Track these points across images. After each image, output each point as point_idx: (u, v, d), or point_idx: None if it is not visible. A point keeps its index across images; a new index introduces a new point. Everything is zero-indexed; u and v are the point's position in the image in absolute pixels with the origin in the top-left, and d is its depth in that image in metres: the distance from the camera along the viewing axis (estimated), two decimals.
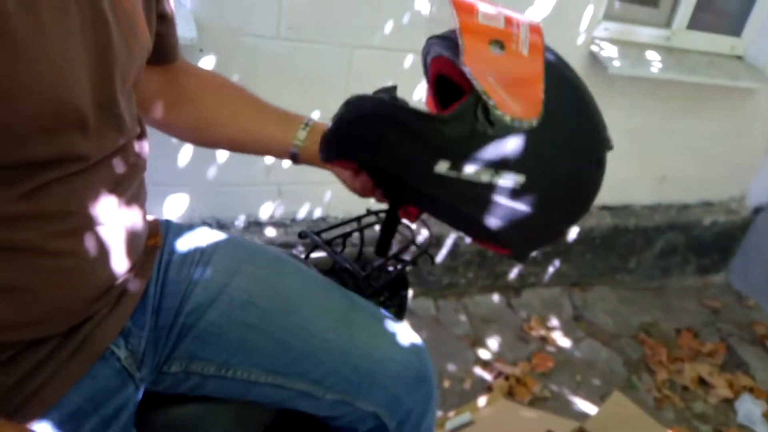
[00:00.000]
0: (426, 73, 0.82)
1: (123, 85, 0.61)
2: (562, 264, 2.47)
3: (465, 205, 0.69)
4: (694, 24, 2.32)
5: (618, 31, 2.14)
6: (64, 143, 0.55)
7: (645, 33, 2.21)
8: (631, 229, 2.50)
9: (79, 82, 0.54)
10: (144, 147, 0.72)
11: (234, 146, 0.91)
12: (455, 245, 2.17)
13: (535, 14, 1.90)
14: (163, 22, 0.76)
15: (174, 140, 1.66)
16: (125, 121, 0.63)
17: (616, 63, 2.01)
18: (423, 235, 1.89)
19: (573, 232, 2.38)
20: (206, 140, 0.92)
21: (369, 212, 1.02)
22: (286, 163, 1.83)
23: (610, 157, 0.74)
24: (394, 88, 0.73)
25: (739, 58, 2.49)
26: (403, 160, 0.68)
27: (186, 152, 1.67)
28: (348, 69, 1.74)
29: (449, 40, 0.69)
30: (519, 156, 0.65)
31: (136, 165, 0.69)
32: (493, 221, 0.70)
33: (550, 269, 2.46)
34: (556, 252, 2.42)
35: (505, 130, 0.64)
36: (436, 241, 2.13)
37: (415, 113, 0.67)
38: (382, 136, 0.69)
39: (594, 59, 2.05)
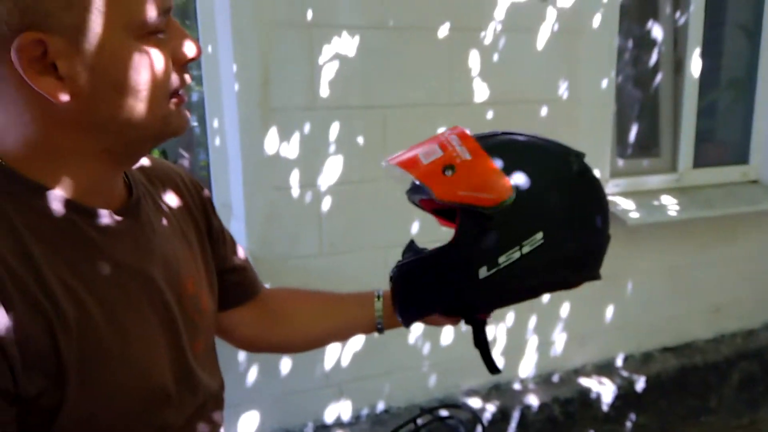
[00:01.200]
0: (429, 212, 0.97)
1: (194, 353, 0.72)
2: (639, 416, 2.36)
3: (524, 283, 0.80)
4: (699, 162, 2.48)
5: (628, 184, 2.30)
6: (154, 419, 0.65)
7: (654, 180, 2.37)
8: (700, 366, 2.42)
9: (161, 367, 0.65)
10: (221, 416, 0.81)
11: (327, 342, 1.03)
12: (522, 417, 2.14)
13: None
14: (235, 272, 0.90)
15: (242, 361, 1.82)
16: (201, 380, 0.73)
17: (634, 215, 2.14)
18: (489, 411, 1.90)
19: (640, 381, 2.32)
20: (303, 346, 1.03)
21: (422, 411, 1.08)
22: (345, 361, 1.95)
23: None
24: (411, 242, 0.92)
25: (755, 182, 2.59)
26: (453, 291, 0.82)
27: (253, 371, 1.81)
28: (385, 268, 1.92)
29: (418, 187, 0.81)
30: (524, 224, 0.77)
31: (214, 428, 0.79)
32: (549, 279, 0.80)
33: (628, 424, 2.36)
34: (628, 405, 2.33)
35: (500, 216, 0.75)
36: (501, 416, 2.11)
37: (436, 254, 0.81)
38: (428, 284, 0.83)
39: (611, 215, 2.19)
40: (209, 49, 1.70)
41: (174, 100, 0.62)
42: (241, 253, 0.93)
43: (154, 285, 0.66)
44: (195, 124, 1.87)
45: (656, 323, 2.39)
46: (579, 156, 0.82)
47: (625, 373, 2.31)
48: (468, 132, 0.82)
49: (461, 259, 0.79)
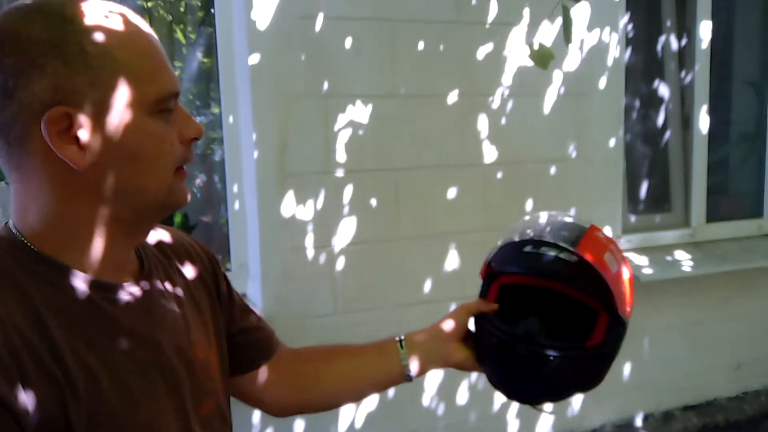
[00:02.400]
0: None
1: (199, 417, 0.74)
2: None
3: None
4: (713, 216, 2.48)
5: (641, 240, 2.31)
6: None
7: (668, 236, 2.38)
8: (722, 425, 2.36)
9: (167, 425, 0.68)
10: None
11: (358, 397, 1.03)
12: None
13: None
14: (248, 333, 0.91)
15: (256, 423, 1.83)
16: None
17: (647, 270, 2.14)
18: None
19: None
20: (333, 405, 1.03)
21: None
22: (359, 422, 1.95)
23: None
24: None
25: None
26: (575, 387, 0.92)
27: None
28: (399, 326, 1.94)
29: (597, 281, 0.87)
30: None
31: None
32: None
33: None
34: None
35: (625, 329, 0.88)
36: None
37: (585, 356, 0.88)
38: (556, 379, 0.90)
39: None
40: (231, 119, 1.80)
41: (178, 173, 0.69)
42: (254, 314, 0.95)
43: (162, 352, 0.69)
44: (219, 184, 1.95)
45: (676, 381, 2.35)
46: None
47: None
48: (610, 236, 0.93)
49: (604, 360, 0.88)
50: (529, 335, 0.88)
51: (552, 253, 0.86)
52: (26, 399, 0.55)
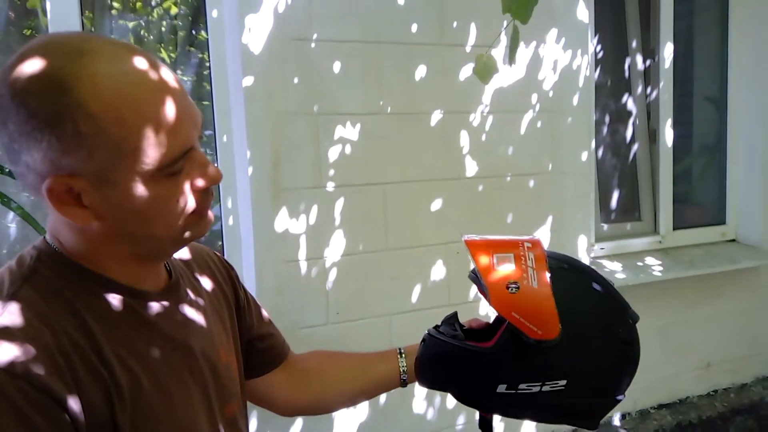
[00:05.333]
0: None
1: (224, 418, 0.81)
2: None
3: (528, 411, 0.88)
4: (680, 224, 2.64)
5: (613, 247, 2.45)
6: None
7: (638, 243, 2.52)
8: (695, 422, 2.49)
9: (200, 426, 0.74)
10: None
11: (357, 399, 1.08)
12: None
13: None
14: (265, 338, 0.98)
15: (252, 430, 1.88)
16: None
17: (620, 275, 2.27)
18: None
19: None
20: (336, 405, 1.09)
21: None
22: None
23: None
24: (454, 316, 0.97)
25: (732, 240, 2.75)
26: (472, 387, 0.89)
27: None
28: (389, 334, 2.02)
29: (477, 278, 0.86)
30: (554, 367, 0.83)
31: None
32: (550, 416, 0.89)
33: None
34: None
35: (537, 351, 0.81)
36: None
37: (470, 351, 0.87)
38: (452, 372, 0.90)
39: None
40: (224, 138, 1.87)
41: (192, 215, 0.68)
42: (267, 319, 1.02)
43: (192, 355, 0.76)
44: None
45: (650, 381, 2.48)
46: (632, 319, 0.87)
47: (623, 431, 2.37)
48: (545, 250, 0.87)
49: (488, 369, 0.86)
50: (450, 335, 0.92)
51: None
52: (78, 398, 0.59)
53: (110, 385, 0.62)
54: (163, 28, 2.17)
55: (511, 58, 1.49)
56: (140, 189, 0.63)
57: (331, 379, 1.05)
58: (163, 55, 2.15)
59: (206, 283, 0.87)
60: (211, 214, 0.73)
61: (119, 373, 0.64)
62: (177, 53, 2.10)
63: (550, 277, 0.83)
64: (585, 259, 2.32)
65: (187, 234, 0.70)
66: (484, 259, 0.84)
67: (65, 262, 0.67)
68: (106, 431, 0.61)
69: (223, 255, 1.93)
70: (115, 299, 0.68)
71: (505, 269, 0.83)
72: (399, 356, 1.02)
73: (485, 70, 1.50)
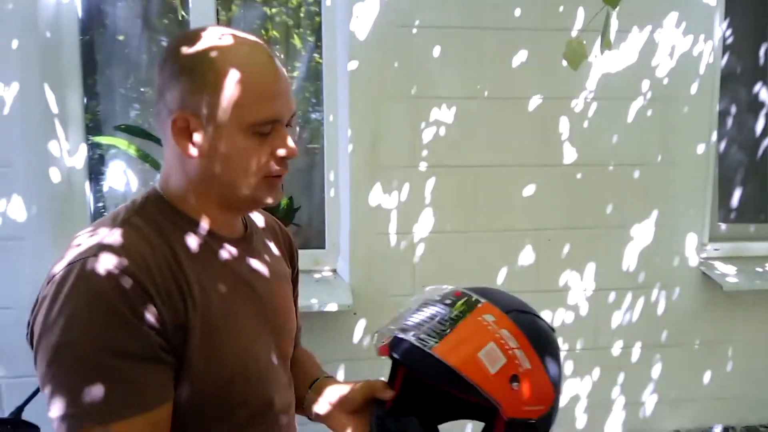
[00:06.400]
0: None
1: (279, 353, 0.95)
2: None
3: None
4: None
5: (730, 249, 2.27)
6: (242, 391, 0.86)
7: (760, 247, 2.30)
8: None
9: (257, 348, 0.89)
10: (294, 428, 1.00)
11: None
12: None
13: (635, 246, 2.15)
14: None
15: None
16: (280, 380, 0.95)
17: (731, 279, 2.11)
18: None
19: None
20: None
21: None
22: None
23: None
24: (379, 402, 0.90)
25: None
26: None
27: None
28: None
29: (471, 388, 0.78)
30: (551, 420, 0.84)
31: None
32: None
33: None
34: None
35: (541, 423, 0.82)
36: None
37: None
38: None
39: (707, 279, 2.17)
40: (331, 117, 2.06)
41: (266, 180, 0.83)
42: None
43: (255, 292, 0.91)
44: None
45: (760, 396, 2.27)
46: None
47: None
48: (497, 309, 0.83)
49: None
50: None
51: (413, 344, 0.82)
52: (163, 300, 0.76)
53: (187, 296, 0.79)
54: (301, 14, 2.40)
55: (604, 43, 1.47)
56: (234, 137, 0.79)
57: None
58: (296, 40, 2.38)
59: (274, 248, 1.02)
60: (280, 192, 0.88)
61: (195, 289, 0.80)
62: (314, 37, 2.31)
63: (530, 344, 0.81)
64: (694, 259, 2.19)
65: (258, 194, 0.85)
66: (475, 369, 0.78)
67: (166, 203, 0.85)
68: (181, 332, 0.78)
69: (324, 222, 2.13)
70: (198, 237, 0.85)
71: (500, 367, 0.78)
72: (309, 391, 1.01)
73: (575, 56, 1.49)
